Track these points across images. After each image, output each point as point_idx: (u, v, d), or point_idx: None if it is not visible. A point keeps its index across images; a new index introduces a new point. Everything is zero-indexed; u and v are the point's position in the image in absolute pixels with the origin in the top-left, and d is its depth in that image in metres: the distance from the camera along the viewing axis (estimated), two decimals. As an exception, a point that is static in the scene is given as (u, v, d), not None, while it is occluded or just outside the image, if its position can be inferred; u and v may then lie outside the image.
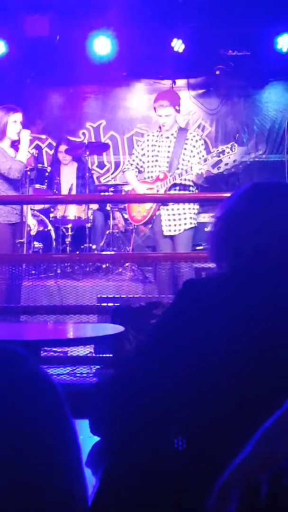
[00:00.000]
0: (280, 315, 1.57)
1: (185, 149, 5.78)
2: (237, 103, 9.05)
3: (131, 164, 6.03)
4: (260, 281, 1.61)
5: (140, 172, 6.04)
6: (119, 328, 3.56)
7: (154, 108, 5.90)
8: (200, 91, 9.08)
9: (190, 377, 1.55)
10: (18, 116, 5.52)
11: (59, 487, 0.93)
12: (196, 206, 5.89)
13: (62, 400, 0.96)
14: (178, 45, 8.01)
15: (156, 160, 5.86)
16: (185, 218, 5.78)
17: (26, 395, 0.91)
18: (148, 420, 1.58)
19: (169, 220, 5.78)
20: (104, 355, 4.36)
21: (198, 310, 1.62)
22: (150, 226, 5.98)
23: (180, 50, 8.05)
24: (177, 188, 5.76)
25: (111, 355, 4.20)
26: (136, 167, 6.01)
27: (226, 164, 5.52)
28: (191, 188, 5.77)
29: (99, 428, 1.64)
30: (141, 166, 5.99)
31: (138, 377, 1.61)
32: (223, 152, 5.50)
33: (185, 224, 5.77)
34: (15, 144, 5.57)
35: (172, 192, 5.77)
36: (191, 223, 5.79)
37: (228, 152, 5.48)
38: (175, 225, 5.77)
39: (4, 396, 0.89)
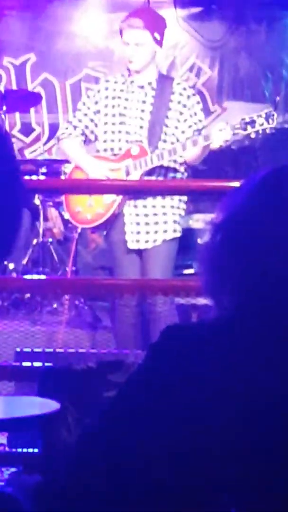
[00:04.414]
0: None
1: (169, 109, 4.93)
2: (255, 32, 7.29)
3: (75, 128, 5.04)
4: (281, 331, 1.36)
5: (89, 141, 5.04)
6: (51, 405, 3.15)
7: (120, 32, 4.98)
8: (195, 10, 7.31)
9: (171, 469, 1.40)
10: None
11: None
12: (183, 204, 4.93)
13: None
14: None
15: (123, 123, 4.89)
16: (164, 222, 4.84)
17: None
18: None
19: (137, 224, 4.86)
20: (25, 450, 3.84)
21: (183, 376, 1.39)
22: (104, 233, 5.04)
23: None
24: (161, 172, 4.85)
25: (36, 449, 3.67)
26: (83, 133, 5.01)
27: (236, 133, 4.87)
28: (178, 175, 4.83)
29: None
30: (92, 132, 4.98)
31: (85, 486, 1.44)
32: (252, 123, 4.74)
33: (165, 231, 4.88)
34: None
35: (149, 178, 4.85)
36: (174, 231, 4.89)
37: (262, 124, 4.73)
38: (147, 232, 4.88)
39: None
